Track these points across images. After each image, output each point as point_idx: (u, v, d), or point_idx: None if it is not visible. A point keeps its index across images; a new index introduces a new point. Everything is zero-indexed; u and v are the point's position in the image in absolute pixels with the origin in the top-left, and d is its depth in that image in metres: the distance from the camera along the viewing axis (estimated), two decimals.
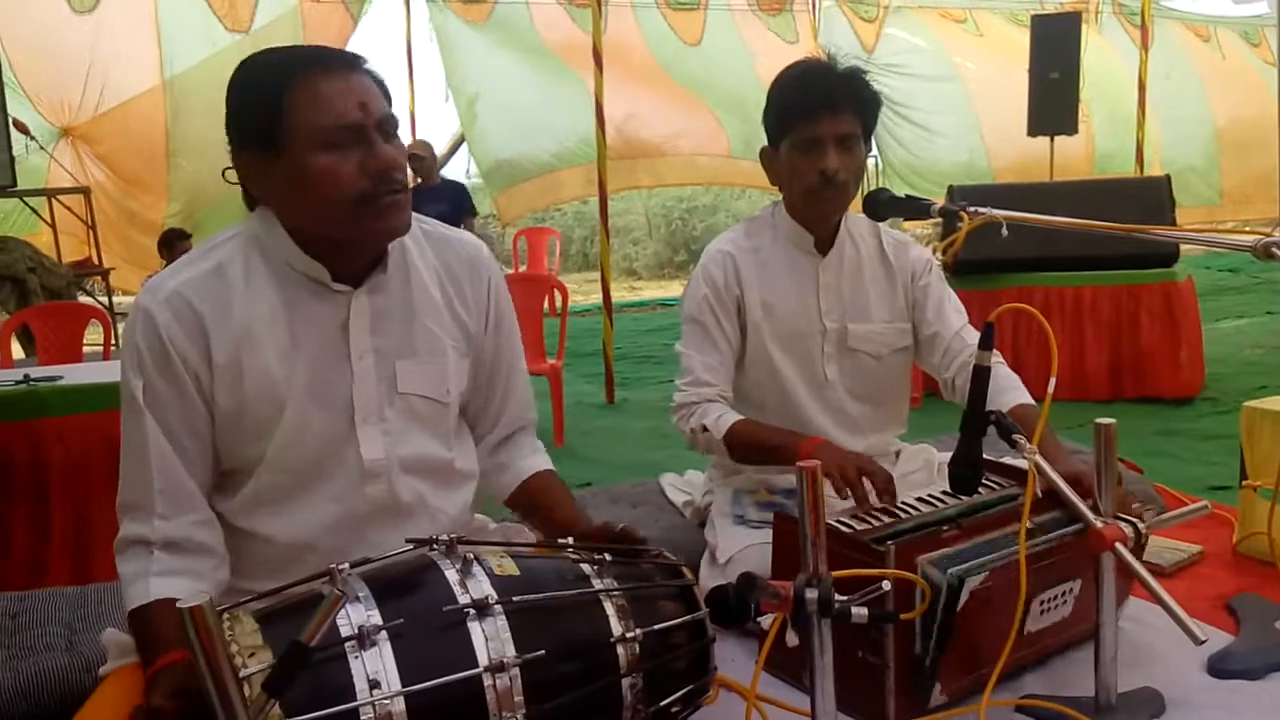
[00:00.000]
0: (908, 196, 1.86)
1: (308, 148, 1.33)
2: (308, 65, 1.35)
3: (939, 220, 1.83)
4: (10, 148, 6.52)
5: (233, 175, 1.42)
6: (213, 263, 1.41)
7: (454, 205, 6.87)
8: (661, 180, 9.92)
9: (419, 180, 6.93)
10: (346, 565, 1.16)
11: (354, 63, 1.38)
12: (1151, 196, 5.39)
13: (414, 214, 1.47)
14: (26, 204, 7.12)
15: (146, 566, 1.34)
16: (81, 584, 2.35)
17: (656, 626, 1.24)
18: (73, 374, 3.36)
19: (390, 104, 1.41)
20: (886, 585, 1.34)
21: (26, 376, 3.22)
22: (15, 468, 3.01)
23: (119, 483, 1.41)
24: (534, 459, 1.68)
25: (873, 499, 1.69)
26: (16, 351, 5.00)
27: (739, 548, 1.87)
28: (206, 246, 1.45)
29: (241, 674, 0.99)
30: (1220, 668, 1.62)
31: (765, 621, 1.36)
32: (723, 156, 9.45)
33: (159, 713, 1.15)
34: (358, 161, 1.34)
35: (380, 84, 1.41)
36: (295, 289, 1.42)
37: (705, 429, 2.00)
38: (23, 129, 6.77)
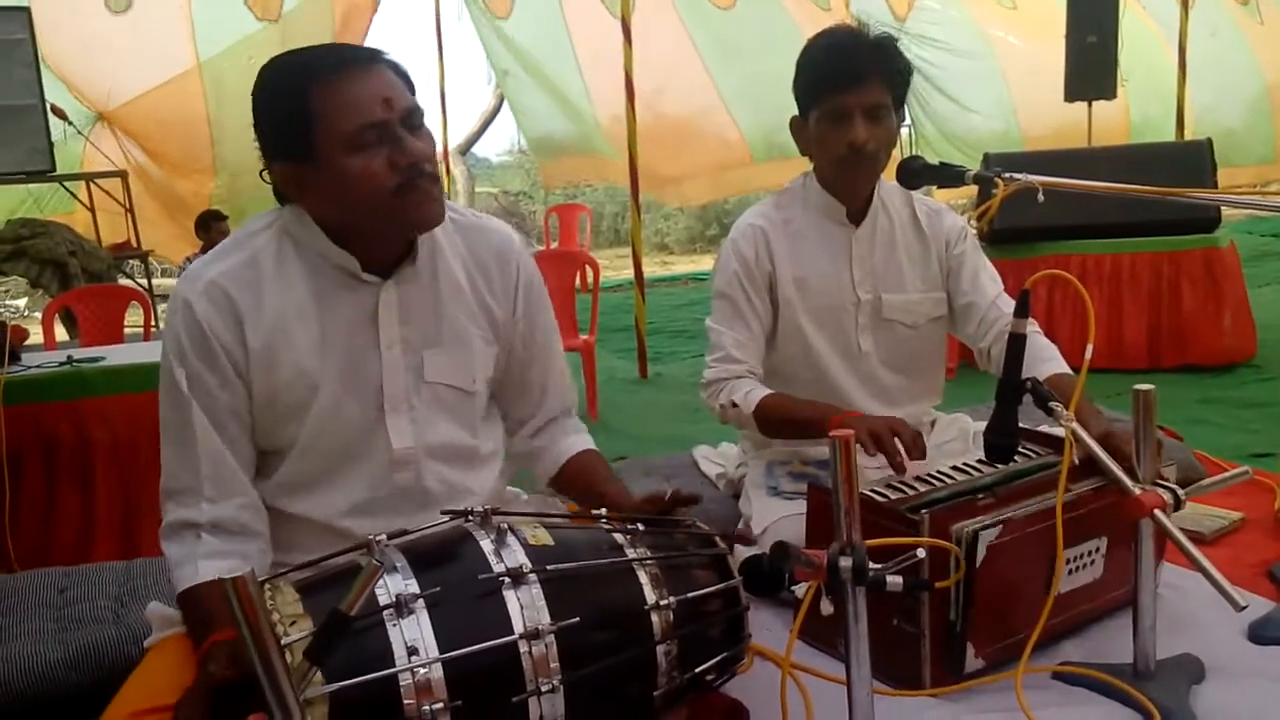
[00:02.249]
0: (941, 164, 1.84)
1: (337, 152, 1.35)
2: (326, 70, 1.35)
3: (974, 189, 1.81)
4: (49, 134, 6.60)
5: (269, 175, 1.44)
6: (247, 253, 1.44)
7: None
8: (687, 201, 9.92)
9: None
10: (384, 536, 1.18)
11: (371, 58, 1.38)
12: (1192, 161, 5.27)
13: (446, 203, 1.47)
14: (66, 188, 7.21)
15: (194, 549, 1.38)
16: (128, 559, 2.41)
17: (690, 594, 1.25)
18: (115, 355, 3.43)
19: (414, 93, 1.41)
20: (921, 553, 1.33)
21: (70, 358, 3.29)
22: (61, 447, 3.09)
23: (161, 469, 1.44)
24: (575, 439, 1.69)
25: (902, 458, 1.66)
26: (60, 334, 5.09)
27: (773, 519, 1.87)
28: (241, 236, 1.47)
29: (284, 641, 1.01)
30: (1261, 634, 1.60)
31: (800, 591, 1.36)
32: (744, 166, 9.44)
33: (214, 680, 1.18)
34: (386, 158, 1.35)
35: (402, 75, 1.41)
36: (326, 280, 1.44)
37: (735, 405, 1.99)
38: (60, 114, 6.83)
